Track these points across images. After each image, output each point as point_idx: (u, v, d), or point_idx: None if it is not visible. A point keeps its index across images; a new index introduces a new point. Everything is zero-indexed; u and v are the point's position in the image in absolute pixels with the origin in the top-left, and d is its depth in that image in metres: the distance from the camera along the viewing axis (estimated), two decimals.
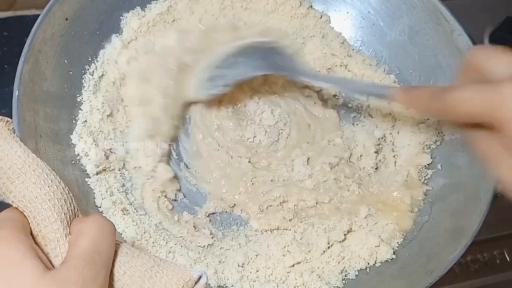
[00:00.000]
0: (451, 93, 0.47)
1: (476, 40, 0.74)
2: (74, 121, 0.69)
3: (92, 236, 0.42)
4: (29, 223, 0.42)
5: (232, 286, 0.68)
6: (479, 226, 0.65)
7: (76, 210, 0.45)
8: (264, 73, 0.74)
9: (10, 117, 0.54)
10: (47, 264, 0.40)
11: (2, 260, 0.37)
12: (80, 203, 0.63)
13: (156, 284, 0.43)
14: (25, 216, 0.43)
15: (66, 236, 0.42)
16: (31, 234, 0.42)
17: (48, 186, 0.43)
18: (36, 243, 0.42)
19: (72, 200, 0.44)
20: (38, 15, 0.65)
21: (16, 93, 0.60)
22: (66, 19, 0.68)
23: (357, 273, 0.70)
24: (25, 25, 0.81)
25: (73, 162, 0.67)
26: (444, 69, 0.77)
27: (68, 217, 0.43)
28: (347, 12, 0.85)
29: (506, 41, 0.99)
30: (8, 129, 0.47)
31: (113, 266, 0.43)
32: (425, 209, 0.73)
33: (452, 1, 0.76)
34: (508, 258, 0.82)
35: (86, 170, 0.68)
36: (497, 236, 0.82)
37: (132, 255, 0.44)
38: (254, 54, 0.74)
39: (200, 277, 0.44)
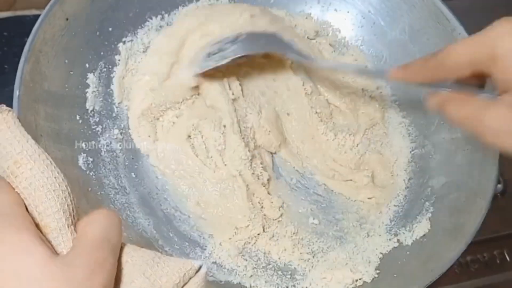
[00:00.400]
0: (445, 48, 0.52)
1: None
2: (74, 121, 0.70)
3: (100, 225, 0.42)
4: (27, 210, 0.43)
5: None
6: (479, 225, 0.65)
7: (76, 208, 0.45)
8: (266, 51, 0.76)
9: None
10: (53, 251, 0.40)
11: (11, 246, 0.37)
12: (80, 202, 0.63)
13: (158, 272, 0.43)
14: (22, 199, 0.43)
15: (68, 226, 0.43)
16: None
17: (55, 178, 0.43)
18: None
19: (73, 199, 0.45)
20: (38, 15, 0.65)
21: (16, 92, 0.60)
22: (67, 19, 0.68)
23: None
24: (25, 25, 0.81)
25: (73, 161, 0.68)
26: None
27: (71, 209, 0.44)
28: (348, 12, 0.86)
29: None
30: (15, 119, 0.47)
31: None
32: (425, 208, 0.73)
33: (452, 1, 0.76)
34: (508, 258, 0.81)
35: (86, 171, 0.69)
36: (497, 236, 0.82)
37: (133, 248, 0.45)
38: (258, 36, 0.75)
39: (200, 267, 0.45)
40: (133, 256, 0.44)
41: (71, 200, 0.44)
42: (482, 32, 0.50)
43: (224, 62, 0.72)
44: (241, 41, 0.73)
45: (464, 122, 0.50)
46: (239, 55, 0.72)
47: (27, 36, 0.63)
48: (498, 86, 0.49)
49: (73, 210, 0.44)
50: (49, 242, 0.42)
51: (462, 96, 0.52)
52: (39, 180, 0.42)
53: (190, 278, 0.44)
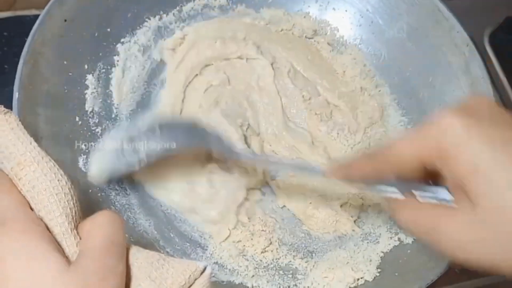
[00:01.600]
0: (390, 145, 0.49)
1: (476, 40, 0.74)
2: (74, 122, 0.70)
3: (106, 228, 0.42)
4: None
5: None
6: None
7: (79, 210, 0.45)
8: (192, 147, 0.67)
9: None
10: (65, 258, 0.40)
11: (28, 254, 0.37)
12: (81, 203, 0.62)
13: (164, 274, 0.43)
14: (25, 199, 0.43)
15: (71, 230, 0.42)
16: None
17: (58, 180, 0.43)
18: None
19: (76, 201, 0.44)
20: (38, 15, 0.65)
21: (16, 95, 0.60)
22: (65, 20, 0.68)
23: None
24: (25, 25, 0.80)
25: (73, 163, 0.67)
26: (443, 66, 0.77)
27: (73, 212, 0.43)
28: (346, 10, 0.86)
29: (506, 42, 0.99)
30: (17, 121, 0.47)
31: None
32: None
33: (452, 1, 0.76)
34: None
35: (87, 172, 0.68)
36: None
37: (137, 249, 0.45)
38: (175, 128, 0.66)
39: (205, 268, 0.45)
40: (138, 258, 0.43)
41: (73, 203, 0.44)
42: (428, 125, 0.46)
43: (135, 168, 0.65)
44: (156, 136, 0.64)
45: (418, 231, 0.48)
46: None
47: (27, 36, 0.63)
48: (448, 182, 0.47)
49: (75, 213, 0.44)
50: None
51: (416, 202, 0.49)
52: (42, 183, 0.42)
53: (195, 279, 0.44)
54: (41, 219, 0.42)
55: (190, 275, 0.43)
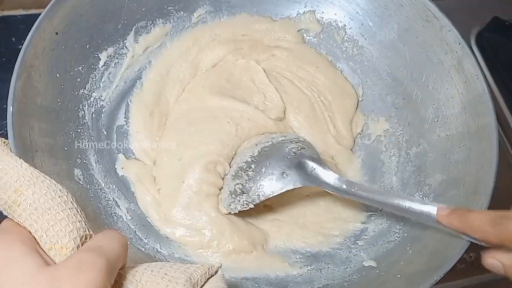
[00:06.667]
0: None
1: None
2: (68, 135, 0.70)
3: (98, 237, 0.42)
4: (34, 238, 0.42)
5: None
6: None
7: (85, 221, 0.44)
8: (292, 188, 0.70)
9: (5, 129, 0.53)
10: (44, 261, 0.40)
11: (8, 258, 0.38)
12: None
13: (179, 269, 0.43)
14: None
15: (78, 248, 0.42)
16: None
17: (59, 197, 0.42)
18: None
19: (81, 212, 0.44)
20: (25, 15, 0.65)
21: (10, 109, 0.60)
22: (56, 34, 0.67)
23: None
24: (12, 25, 0.80)
25: (69, 175, 0.67)
26: (435, 65, 0.77)
27: (83, 224, 0.43)
28: (335, 14, 0.86)
29: (493, 41, 1.00)
30: (8, 148, 0.47)
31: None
32: None
33: (439, 1, 0.76)
34: None
35: (83, 184, 0.68)
36: None
37: (143, 271, 0.44)
38: (276, 164, 0.71)
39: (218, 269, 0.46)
40: (146, 268, 0.43)
41: (80, 216, 0.43)
42: None
43: (251, 206, 0.71)
44: (267, 178, 0.71)
45: None
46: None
47: (14, 36, 0.63)
48: None
49: (84, 223, 0.43)
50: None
51: None
52: (44, 204, 0.42)
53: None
54: (51, 238, 0.41)
55: (205, 272, 0.44)
